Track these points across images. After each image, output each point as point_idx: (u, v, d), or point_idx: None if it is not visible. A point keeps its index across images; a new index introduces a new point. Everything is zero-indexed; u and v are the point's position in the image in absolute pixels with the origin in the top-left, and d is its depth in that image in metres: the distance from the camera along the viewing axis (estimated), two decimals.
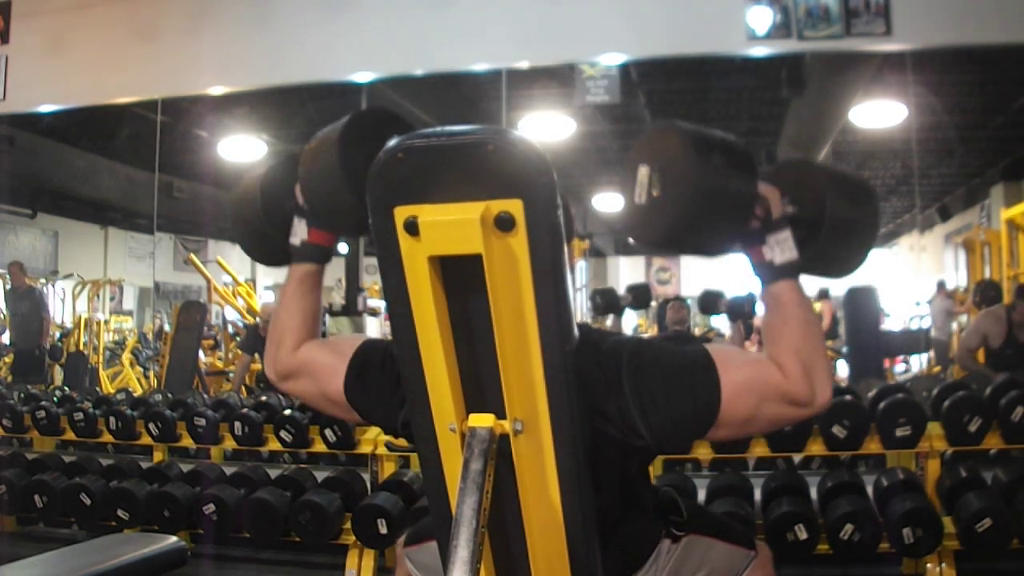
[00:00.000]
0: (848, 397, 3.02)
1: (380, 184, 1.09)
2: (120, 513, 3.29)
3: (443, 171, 1.06)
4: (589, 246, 11.30)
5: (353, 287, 7.24)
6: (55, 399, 4.10)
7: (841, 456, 3.22)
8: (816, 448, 2.96)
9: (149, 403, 3.87)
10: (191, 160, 8.05)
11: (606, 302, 4.75)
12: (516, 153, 1.04)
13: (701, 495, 2.99)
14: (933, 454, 2.91)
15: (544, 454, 1.13)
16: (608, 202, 11.16)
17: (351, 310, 7.05)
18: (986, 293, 5.99)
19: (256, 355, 5.73)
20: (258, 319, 6.51)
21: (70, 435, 3.81)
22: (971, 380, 3.52)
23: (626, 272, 13.96)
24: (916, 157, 7.49)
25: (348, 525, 3.06)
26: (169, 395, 4.23)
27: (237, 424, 3.44)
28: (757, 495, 3.00)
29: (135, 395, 4.45)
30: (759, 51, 3.87)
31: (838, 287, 7.51)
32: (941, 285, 8.30)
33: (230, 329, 7.63)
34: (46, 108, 4.85)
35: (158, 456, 3.66)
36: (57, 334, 7.92)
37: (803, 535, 2.68)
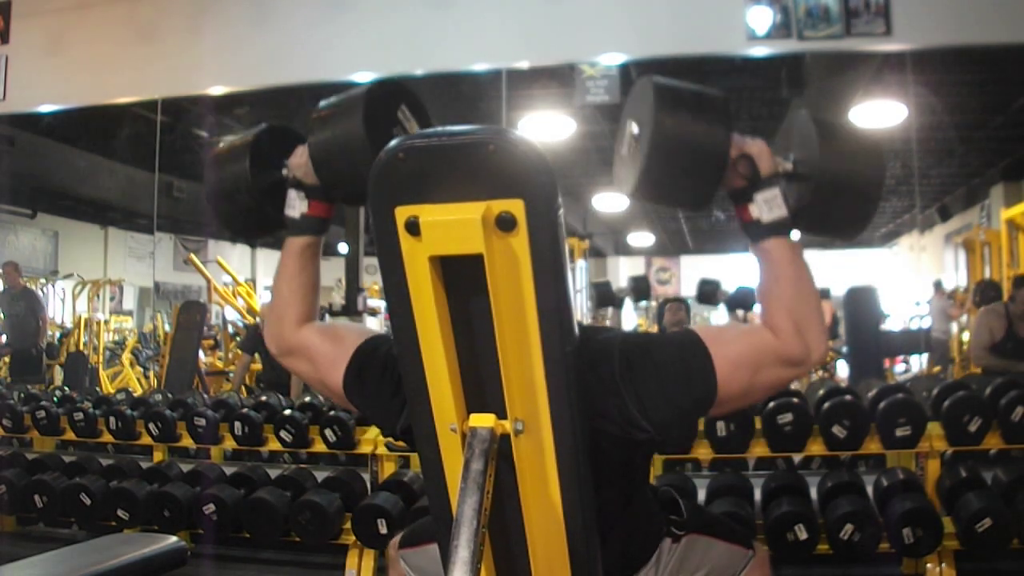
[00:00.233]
0: (848, 397, 3.01)
1: (381, 184, 1.09)
2: (120, 513, 3.28)
3: (444, 171, 1.06)
4: (589, 246, 11.30)
5: (353, 287, 7.25)
6: (55, 399, 4.09)
7: (841, 456, 3.22)
8: (816, 448, 2.96)
9: (149, 403, 3.87)
10: (191, 160, 8.05)
11: (602, 295, 4.77)
12: (517, 153, 1.04)
13: (701, 495, 2.99)
14: (933, 454, 2.91)
15: (545, 454, 1.13)
16: (608, 202, 11.16)
17: (351, 310, 7.05)
18: (986, 293, 5.98)
19: (256, 355, 5.73)
20: (258, 319, 6.52)
21: (70, 435, 3.80)
22: (982, 378, 3.53)
23: (626, 272, 13.97)
24: (916, 157, 7.48)
25: (348, 525, 3.06)
26: (169, 395, 4.22)
27: (237, 424, 3.44)
28: (757, 495, 3.00)
29: (135, 395, 4.44)
30: (759, 51, 3.86)
31: (838, 287, 7.52)
32: (938, 285, 8.31)
33: (230, 329, 7.63)
34: (46, 108, 4.84)
35: (158, 456, 3.66)
36: (57, 334, 7.92)
37: (803, 535, 2.68)
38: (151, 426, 3.60)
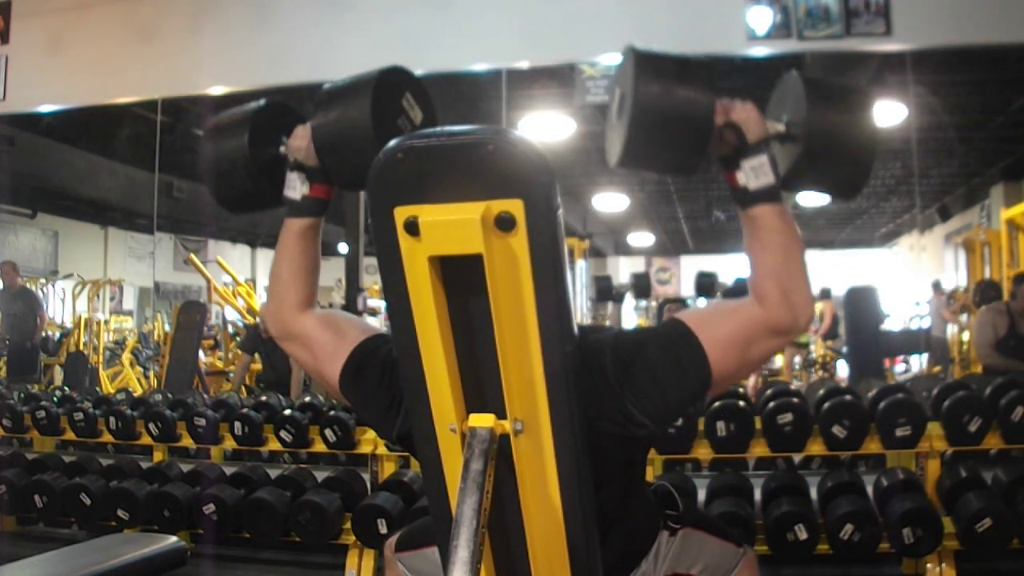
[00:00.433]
0: (848, 397, 3.02)
1: (380, 184, 1.08)
2: (120, 513, 3.28)
3: (443, 171, 1.06)
4: (589, 246, 11.30)
5: (353, 287, 7.23)
6: (55, 399, 4.09)
7: (841, 456, 3.22)
8: (816, 448, 2.96)
9: (149, 403, 3.87)
10: (191, 160, 8.04)
11: (603, 289, 4.80)
12: (516, 153, 1.04)
13: (701, 495, 2.99)
14: (933, 454, 2.91)
15: (544, 454, 1.13)
16: (608, 202, 11.16)
17: (351, 310, 7.04)
18: (986, 293, 5.99)
19: (256, 355, 5.73)
20: (258, 319, 6.52)
21: (70, 435, 3.81)
22: (982, 378, 3.53)
23: (626, 272, 13.97)
24: (916, 157, 7.48)
25: (348, 525, 3.06)
26: (169, 395, 4.22)
27: (237, 424, 3.44)
28: (757, 495, 3.00)
29: (135, 395, 4.44)
30: (759, 51, 3.86)
31: (838, 287, 7.52)
32: (937, 285, 8.31)
33: (230, 329, 7.63)
34: (46, 108, 4.85)
35: (158, 456, 3.66)
36: (57, 334, 7.92)
37: (803, 535, 2.68)
38: (151, 426, 3.60)
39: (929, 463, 2.92)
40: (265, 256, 12.19)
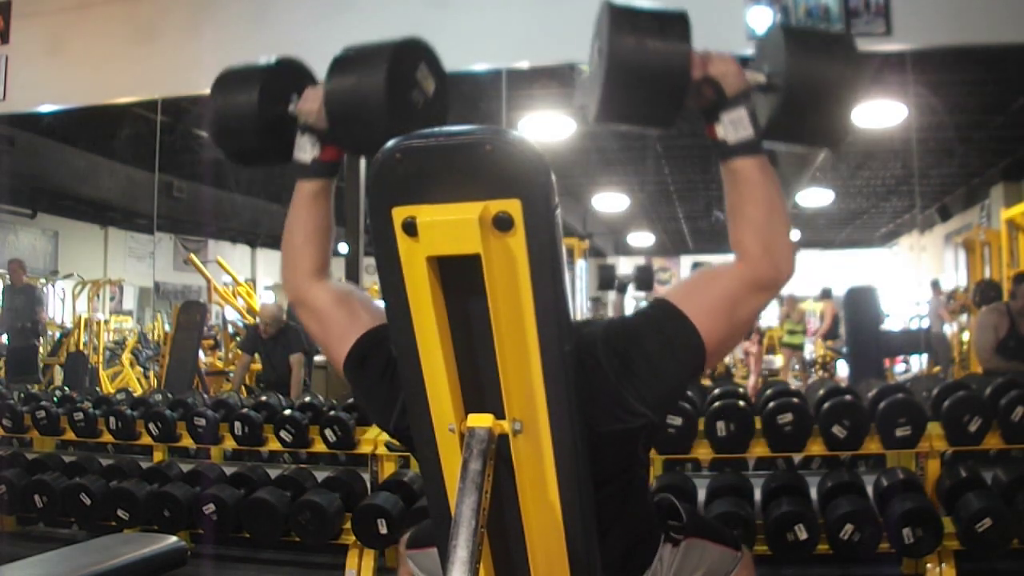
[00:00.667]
0: (848, 397, 3.01)
1: (378, 184, 1.08)
2: (120, 513, 3.29)
3: (441, 171, 1.06)
4: (589, 246, 11.30)
5: None
6: (55, 399, 4.09)
7: (841, 456, 3.22)
8: (816, 448, 2.95)
9: (149, 403, 3.87)
10: (191, 160, 8.06)
11: (605, 277, 4.81)
12: (514, 153, 1.04)
13: (701, 495, 2.99)
14: (933, 454, 2.91)
15: (543, 454, 1.12)
16: (608, 202, 11.16)
17: None
18: (986, 293, 5.99)
19: (256, 355, 5.73)
20: (258, 319, 6.51)
21: (70, 435, 3.81)
22: (982, 378, 3.53)
23: (626, 272, 13.96)
24: (916, 157, 7.49)
25: (348, 525, 3.06)
26: (169, 395, 4.22)
27: (237, 424, 3.44)
28: (757, 495, 3.00)
29: (135, 395, 4.44)
30: None
31: (838, 287, 7.52)
32: (936, 285, 8.31)
33: (230, 329, 7.63)
34: (46, 108, 4.85)
35: (158, 456, 3.66)
36: (57, 334, 7.92)
37: (803, 535, 2.68)
38: (151, 426, 3.60)
39: (929, 463, 2.92)
40: (265, 256, 12.18)
